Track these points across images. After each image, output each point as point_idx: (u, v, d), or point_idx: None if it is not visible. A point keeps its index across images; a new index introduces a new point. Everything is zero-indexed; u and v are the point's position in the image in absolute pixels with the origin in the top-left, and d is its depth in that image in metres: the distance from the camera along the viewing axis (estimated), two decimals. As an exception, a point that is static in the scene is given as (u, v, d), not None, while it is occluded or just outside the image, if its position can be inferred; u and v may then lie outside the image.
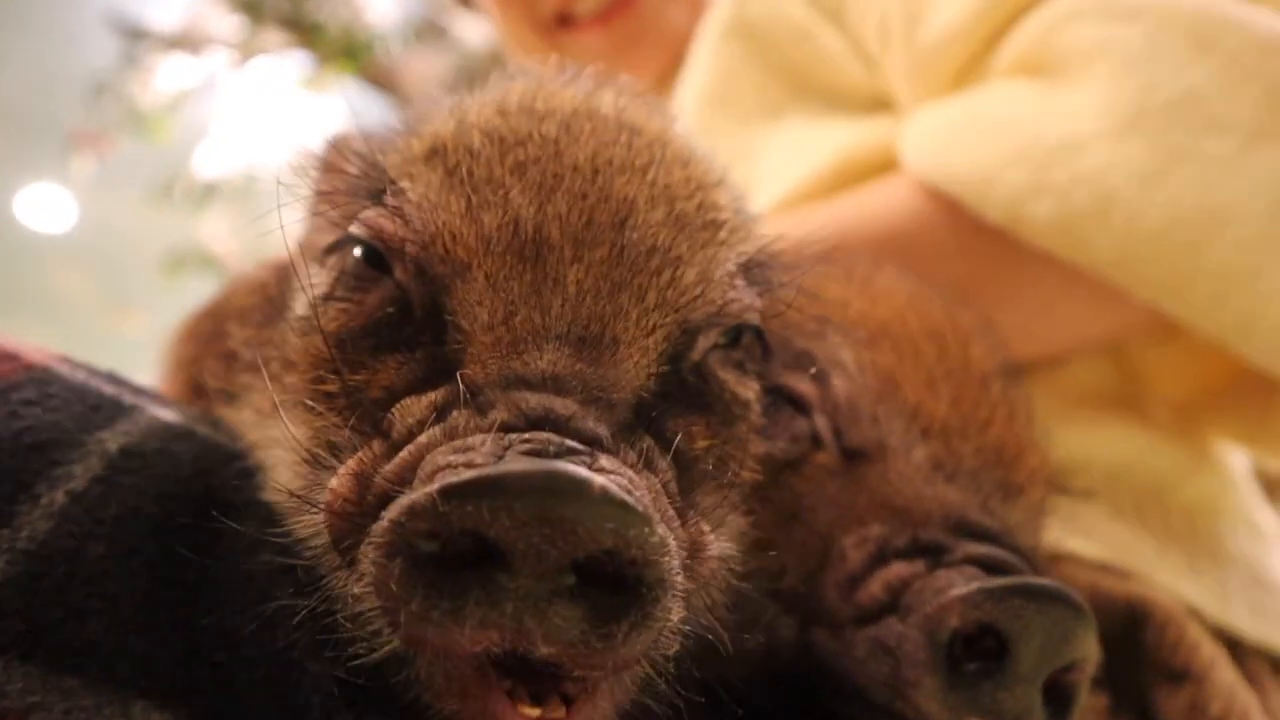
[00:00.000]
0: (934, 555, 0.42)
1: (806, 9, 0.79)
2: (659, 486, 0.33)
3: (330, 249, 0.41)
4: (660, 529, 0.29)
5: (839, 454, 0.47)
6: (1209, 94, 0.60)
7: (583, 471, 0.28)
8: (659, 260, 0.37)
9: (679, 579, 0.30)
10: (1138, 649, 0.56)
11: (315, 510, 0.34)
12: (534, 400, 0.32)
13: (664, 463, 0.35)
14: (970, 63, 0.68)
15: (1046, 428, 0.61)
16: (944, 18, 0.68)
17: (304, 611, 0.34)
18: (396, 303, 0.37)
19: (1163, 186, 0.58)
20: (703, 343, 0.39)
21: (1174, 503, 0.68)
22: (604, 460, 0.31)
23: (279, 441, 0.40)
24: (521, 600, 0.28)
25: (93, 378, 0.45)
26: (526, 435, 0.30)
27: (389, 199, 0.39)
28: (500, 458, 0.29)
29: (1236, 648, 0.62)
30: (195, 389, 0.54)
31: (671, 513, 0.33)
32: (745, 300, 0.41)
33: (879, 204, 0.68)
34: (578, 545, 0.28)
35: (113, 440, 0.40)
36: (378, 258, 0.38)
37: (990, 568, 0.41)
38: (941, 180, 0.63)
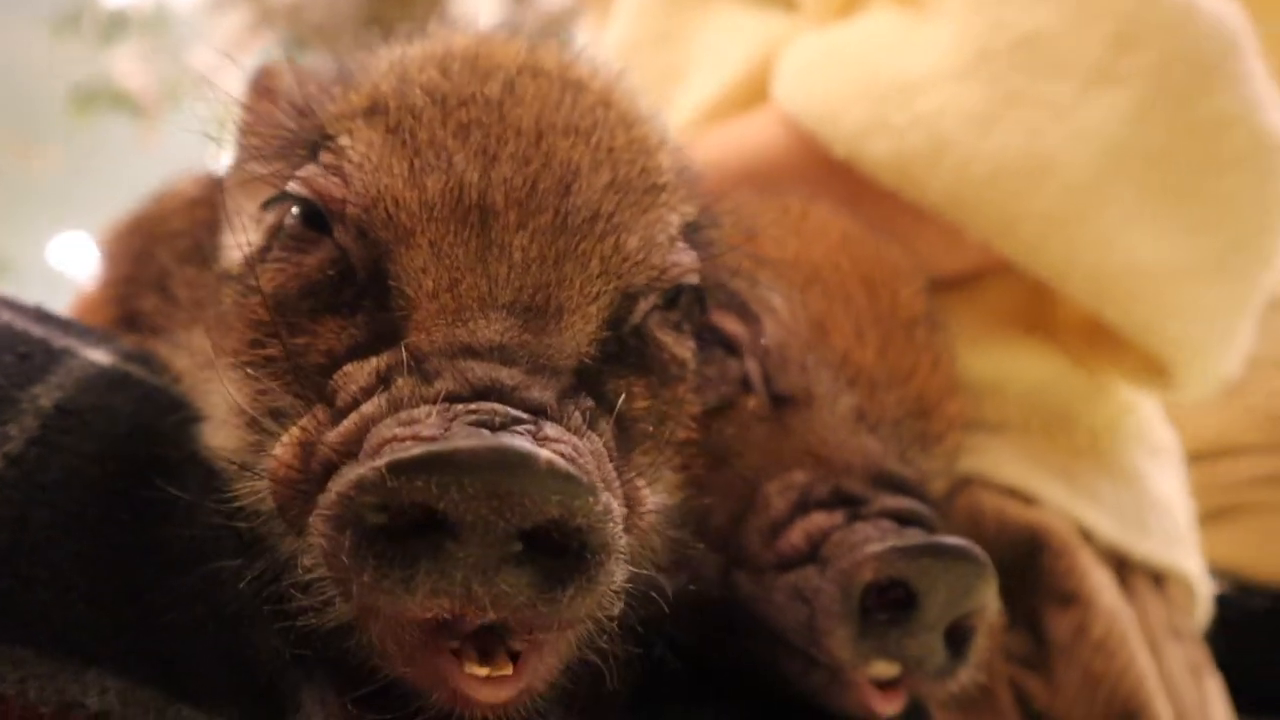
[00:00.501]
0: (852, 506, 0.44)
1: None
2: (601, 449, 0.34)
3: (266, 205, 0.40)
4: (604, 497, 0.31)
5: (768, 399, 0.49)
6: (1056, 33, 0.61)
7: (529, 445, 0.29)
8: (602, 227, 0.37)
9: (622, 543, 0.32)
10: (1034, 572, 0.60)
11: (259, 478, 0.34)
12: (479, 370, 0.32)
13: (604, 423, 0.36)
14: None
15: (966, 352, 0.63)
16: None
17: (250, 572, 0.35)
18: (337, 265, 0.37)
19: (993, 132, 0.60)
20: (643, 305, 0.39)
21: (1080, 425, 0.71)
22: (548, 429, 0.31)
23: (218, 398, 0.40)
24: (471, 568, 0.29)
25: (19, 317, 0.44)
26: (473, 406, 0.31)
27: (327, 156, 0.38)
28: (446, 429, 0.30)
29: (1124, 563, 0.67)
30: (127, 316, 0.53)
31: (612, 474, 0.34)
32: (685, 263, 0.41)
33: (748, 135, 0.69)
34: (525, 516, 0.29)
35: (46, 396, 0.39)
36: (317, 217, 0.37)
37: (904, 520, 0.43)
38: (797, 113, 0.65)
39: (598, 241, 0.37)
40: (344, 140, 0.38)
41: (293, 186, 0.38)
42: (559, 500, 0.29)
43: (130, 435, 0.39)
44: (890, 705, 0.43)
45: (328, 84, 0.45)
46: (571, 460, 0.30)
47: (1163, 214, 0.62)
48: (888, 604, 0.41)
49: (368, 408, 0.32)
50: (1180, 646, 0.67)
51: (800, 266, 0.54)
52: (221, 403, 0.40)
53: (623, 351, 0.38)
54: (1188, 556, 0.71)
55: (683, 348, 0.42)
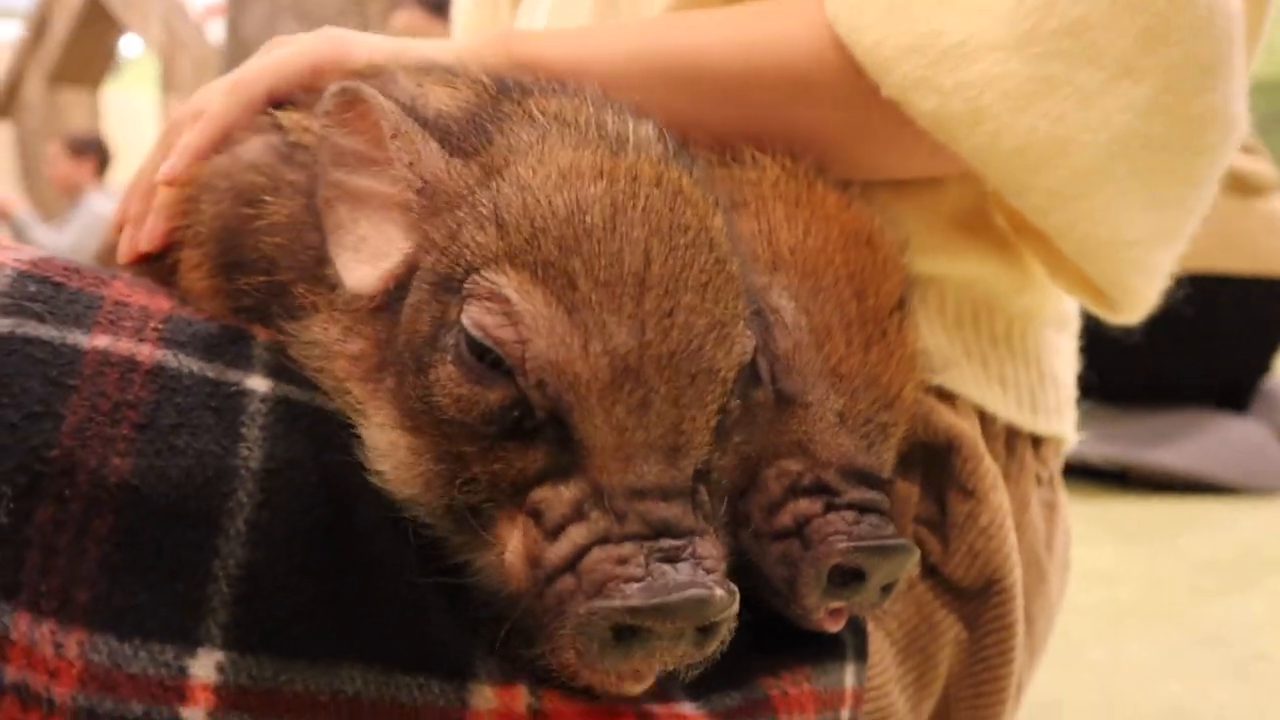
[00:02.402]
0: (829, 495, 0.60)
1: None
2: (718, 540, 0.49)
3: (433, 319, 0.50)
4: (735, 594, 0.46)
5: (773, 394, 0.63)
6: (1096, 23, 0.68)
7: (708, 592, 0.44)
8: (714, 373, 0.49)
9: (736, 609, 0.47)
10: (947, 467, 0.78)
11: (492, 586, 0.49)
12: (654, 511, 0.46)
13: (707, 500, 0.51)
14: None
15: (917, 255, 0.76)
16: None
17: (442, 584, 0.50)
18: (519, 406, 0.48)
19: (1026, 112, 0.68)
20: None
21: (1000, 313, 0.86)
22: (699, 547, 0.46)
23: (378, 434, 0.52)
24: (663, 649, 0.46)
25: (190, 359, 0.53)
26: (657, 545, 0.45)
27: (489, 302, 0.48)
28: (646, 568, 0.44)
29: (1014, 433, 0.87)
30: (229, 290, 0.60)
31: (722, 551, 0.49)
32: (750, 345, 0.53)
33: (785, 34, 0.73)
34: (700, 622, 0.46)
35: (252, 458, 0.51)
36: (493, 356, 0.48)
37: (865, 510, 0.60)
38: (850, 44, 0.70)
39: (711, 386, 0.49)
40: (507, 291, 0.47)
41: (469, 325, 0.48)
42: (718, 612, 0.45)
43: (321, 482, 0.52)
44: (838, 624, 0.62)
45: (449, 163, 0.52)
46: (716, 571, 0.46)
47: (1147, 193, 0.73)
48: (845, 572, 0.60)
49: (577, 535, 0.46)
50: (1040, 490, 0.89)
51: (806, 269, 0.65)
52: (384, 441, 0.52)
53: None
54: (1063, 421, 0.90)
55: (737, 403, 0.55)
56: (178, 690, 0.47)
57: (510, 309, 0.47)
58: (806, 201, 0.68)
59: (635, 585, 0.44)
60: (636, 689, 0.49)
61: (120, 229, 0.69)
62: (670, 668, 0.48)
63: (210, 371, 0.54)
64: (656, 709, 0.55)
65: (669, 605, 0.44)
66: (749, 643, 0.62)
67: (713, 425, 0.50)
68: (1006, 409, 0.85)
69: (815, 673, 0.62)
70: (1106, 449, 2.05)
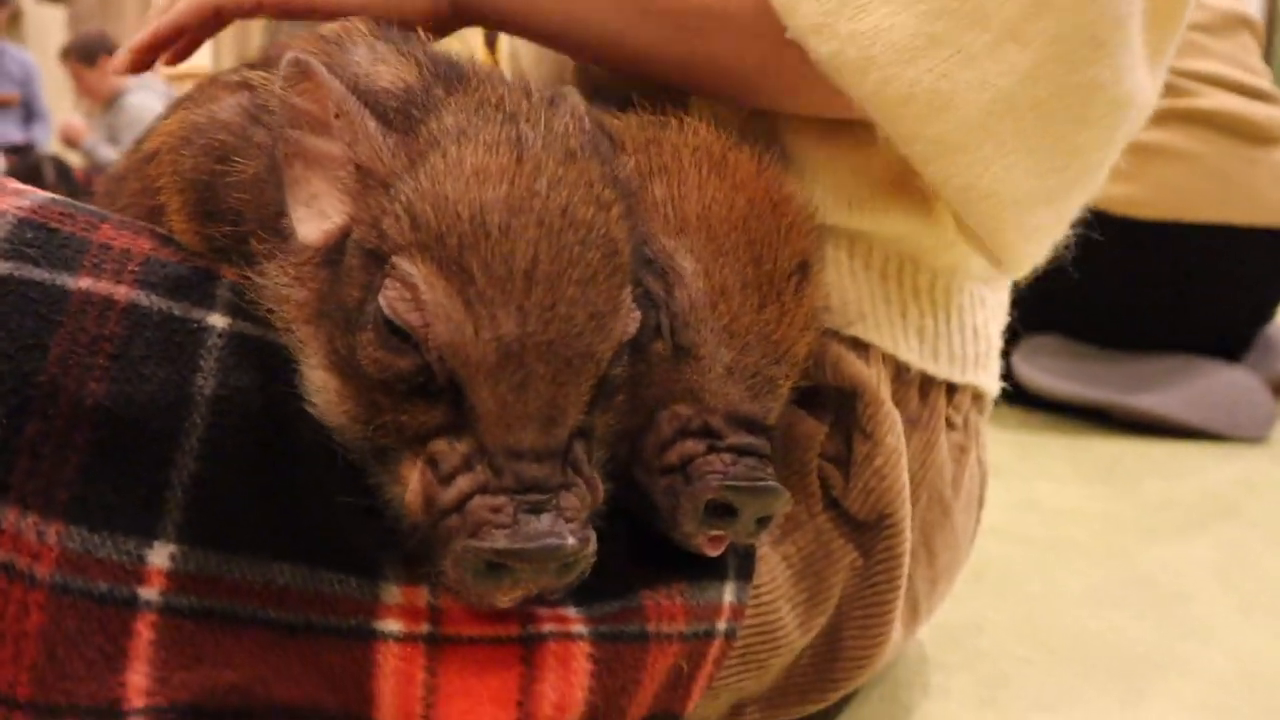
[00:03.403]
0: (712, 439, 0.69)
1: None
2: (585, 491, 0.57)
3: (356, 295, 0.57)
4: (592, 543, 0.55)
5: (671, 346, 0.71)
6: None
7: (565, 542, 0.53)
8: (590, 359, 0.57)
9: (594, 551, 0.56)
10: (852, 410, 0.86)
11: (396, 513, 0.58)
12: (527, 471, 0.54)
13: (583, 454, 0.59)
14: None
15: (846, 212, 0.83)
16: None
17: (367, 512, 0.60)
18: (424, 373, 0.55)
19: (912, 65, 0.73)
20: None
21: (924, 267, 0.93)
22: (563, 499, 0.55)
23: (313, 373, 0.60)
24: (528, 581, 0.55)
25: (160, 299, 0.63)
26: (525, 498, 0.54)
27: (401, 285, 0.55)
28: (515, 518, 0.53)
29: (928, 380, 0.94)
30: (202, 235, 0.69)
31: (589, 500, 0.57)
32: (633, 324, 0.60)
33: None
34: (555, 564, 0.54)
35: (206, 385, 0.60)
36: (405, 333, 0.55)
37: (744, 452, 0.69)
38: None
39: (587, 368, 0.57)
40: (416, 280, 0.54)
41: (384, 305, 0.55)
42: (574, 558, 0.54)
43: (265, 408, 0.61)
44: (717, 549, 0.71)
45: (381, 148, 0.58)
46: (576, 520, 0.55)
47: (1029, 156, 0.78)
48: (719, 507, 0.68)
49: (464, 483, 0.54)
50: (951, 434, 0.97)
51: (710, 233, 0.72)
52: (317, 379, 0.60)
53: (590, 401, 0.59)
54: (981, 373, 0.97)
55: (621, 369, 0.62)
56: (136, 574, 0.58)
57: (418, 296, 0.55)
58: (720, 170, 0.74)
59: (503, 531, 0.53)
60: (505, 604, 0.58)
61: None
62: (534, 593, 0.57)
63: (177, 310, 0.63)
64: (540, 610, 0.65)
65: (527, 551, 0.53)
66: (637, 561, 0.72)
67: (586, 398, 0.58)
68: (920, 359, 0.92)
69: (690, 589, 0.72)
70: (1092, 391, 2.09)
